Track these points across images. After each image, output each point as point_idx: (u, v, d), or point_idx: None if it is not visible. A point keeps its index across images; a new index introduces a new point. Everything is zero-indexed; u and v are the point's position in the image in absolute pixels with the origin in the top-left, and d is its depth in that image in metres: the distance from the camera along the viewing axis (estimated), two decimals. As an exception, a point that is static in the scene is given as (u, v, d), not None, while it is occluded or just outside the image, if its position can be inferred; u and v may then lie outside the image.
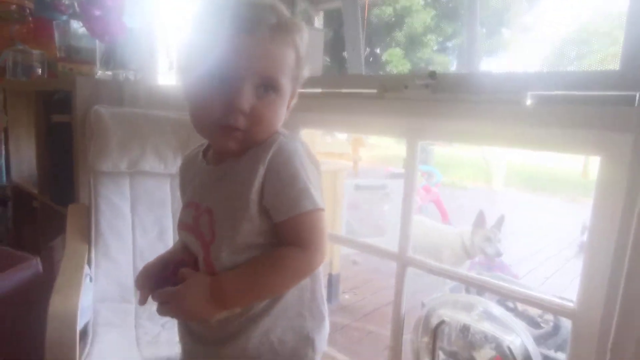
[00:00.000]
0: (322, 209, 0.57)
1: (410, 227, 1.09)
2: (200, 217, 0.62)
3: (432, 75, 0.97)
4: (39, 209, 1.47)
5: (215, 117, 0.55)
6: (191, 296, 0.57)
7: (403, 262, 1.09)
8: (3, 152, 1.65)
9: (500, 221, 2.38)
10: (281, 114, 0.60)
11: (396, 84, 1.06)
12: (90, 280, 0.94)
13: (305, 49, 0.60)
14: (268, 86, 0.56)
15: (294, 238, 0.57)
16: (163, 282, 0.60)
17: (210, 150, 0.68)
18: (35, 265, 0.97)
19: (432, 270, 1.05)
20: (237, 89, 0.54)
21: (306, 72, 0.63)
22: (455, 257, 2.32)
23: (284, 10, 0.58)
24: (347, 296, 2.27)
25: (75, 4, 1.56)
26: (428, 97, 0.98)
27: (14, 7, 1.90)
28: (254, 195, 0.56)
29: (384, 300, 2.18)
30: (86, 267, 0.90)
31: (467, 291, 1.33)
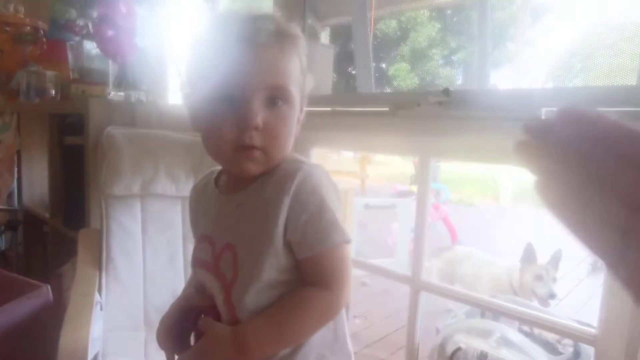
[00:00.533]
0: (350, 241, 0.54)
1: (423, 249, 1.07)
2: (221, 254, 0.57)
3: (446, 92, 0.97)
4: (49, 234, 1.46)
5: (228, 139, 0.52)
6: (215, 354, 0.53)
7: (417, 286, 1.06)
8: (15, 175, 1.66)
9: (557, 257, 2.08)
10: (293, 127, 0.57)
11: (408, 101, 1.06)
12: (101, 308, 0.92)
13: (306, 58, 0.58)
14: (278, 97, 0.54)
15: (319, 276, 0.54)
16: (184, 335, 0.58)
17: (222, 178, 0.64)
18: (45, 293, 0.96)
19: (446, 295, 1.03)
20: (247, 104, 0.51)
21: (310, 83, 0.60)
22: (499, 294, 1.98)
23: (282, 19, 0.56)
24: (357, 321, 2.21)
25: (89, 25, 1.59)
26: (441, 115, 0.98)
27: (28, 28, 1.93)
28: (279, 228, 0.53)
29: (395, 325, 2.13)
30: (96, 294, 0.89)
31: (483, 315, 1.30)
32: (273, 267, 0.54)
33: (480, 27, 1.47)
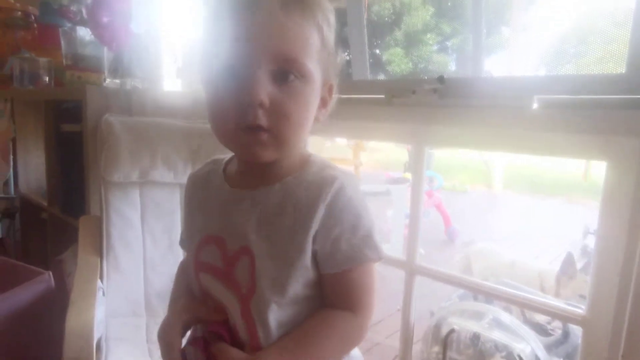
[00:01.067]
0: (382, 258, 0.50)
1: (418, 232, 1.09)
2: (236, 261, 0.50)
3: (441, 80, 0.98)
4: (47, 221, 1.47)
5: (232, 119, 0.46)
6: None
7: (411, 270, 1.09)
8: (11, 162, 1.65)
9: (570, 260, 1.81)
10: (311, 108, 0.49)
11: (404, 89, 1.06)
12: (103, 294, 0.94)
13: (332, 31, 0.50)
14: (288, 71, 0.46)
15: (345, 296, 0.49)
16: (190, 356, 0.51)
17: (230, 168, 0.56)
18: (47, 279, 0.97)
19: (441, 278, 1.05)
20: (250, 78, 0.44)
21: (341, 61, 0.52)
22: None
23: None
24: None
25: (83, 11, 1.57)
26: (436, 103, 0.99)
27: (18, 13, 1.91)
28: (310, 237, 0.47)
29: (390, 309, 2.13)
30: (98, 281, 0.90)
31: (476, 299, 1.33)
32: (300, 280, 0.48)
33: (475, 12, 1.48)
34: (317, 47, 0.48)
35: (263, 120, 0.45)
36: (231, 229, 0.51)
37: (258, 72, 0.45)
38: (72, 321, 0.73)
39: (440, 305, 1.22)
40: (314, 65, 0.48)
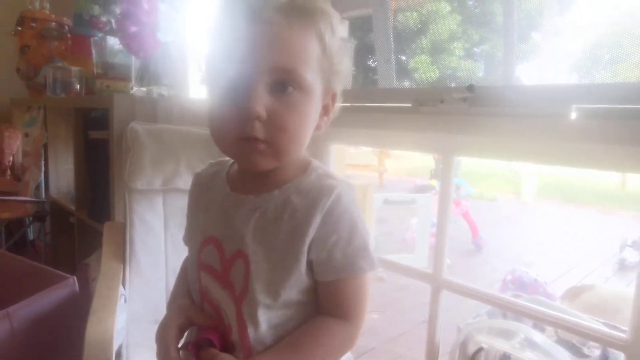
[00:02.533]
0: (377, 270, 0.50)
1: (445, 245, 1.05)
2: (232, 263, 0.51)
3: (471, 88, 0.94)
4: (75, 225, 1.50)
5: (231, 129, 0.46)
6: None
7: (438, 284, 1.05)
8: (42, 168, 1.70)
9: None
10: (311, 119, 0.50)
11: (431, 97, 1.04)
12: (125, 300, 0.94)
13: (336, 38, 0.50)
14: (286, 82, 0.46)
15: (338, 304, 0.50)
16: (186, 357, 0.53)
17: (232, 172, 0.57)
18: (72, 284, 0.98)
19: (469, 294, 1.01)
20: (248, 90, 0.45)
21: (344, 69, 0.52)
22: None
23: None
24: (375, 316, 2.18)
25: (112, 21, 1.61)
26: (465, 111, 0.96)
27: (53, 24, 1.98)
28: (306, 245, 0.48)
29: (413, 320, 2.10)
30: (121, 287, 0.91)
31: (505, 317, 1.27)
32: (294, 286, 0.49)
33: (506, 19, 1.43)
34: (317, 56, 0.48)
35: (260, 132, 0.46)
36: (229, 232, 0.52)
37: (256, 84, 0.45)
38: (92, 330, 0.73)
39: (467, 321, 1.17)
40: (313, 76, 0.48)
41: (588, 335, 0.85)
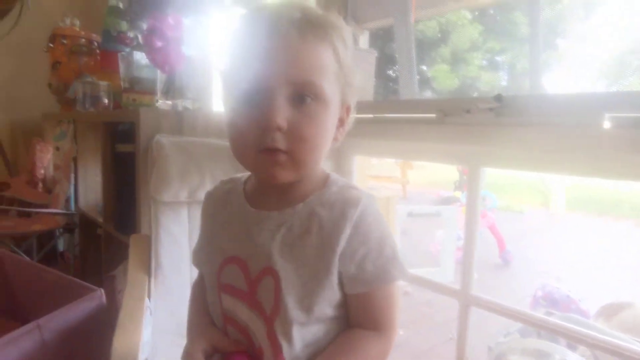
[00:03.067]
0: (407, 277, 0.50)
1: (473, 261, 1.02)
2: (259, 282, 0.50)
3: (498, 98, 0.92)
4: (102, 237, 1.53)
5: (251, 142, 0.47)
6: None
7: (466, 301, 1.01)
8: (72, 180, 1.75)
9: None
10: (329, 130, 0.50)
11: (457, 108, 1.02)
12: (150, 313, 0.95)
13: (349, 51, 0.51)
14: (305, 94, 0.47)
15: (370, 316, 0.49)
16: None
17: (248, 187, 0.57)
18: (99, 296, 0.99)
19: (500, 312, 0.97)
20: (268, 102, 0.46)
21: (357, 82, 0.53)
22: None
23: (313, 8, 0.49)
24: (401, 332, 2.13)
25: (139, 37, 1.65)
26: (492, 122, 0.93)
27: (83, 40, 2.05)
28: (337, 258, 0.47)
29: (441, 337, 2.04)
30: (146, 299, 0.91)
31: (539, 335, 1.22)
32: (326, 300, 0.49)
33: (532, 27, 1.40)
34: (333, 69, 0.49)
35: (281, 143, 0.46)
36: (253, 250, 0.51)
37: (276, 96, 0.46)
38: (119, 343, 0.73)
39: (498, 339, 1.12)
40: (330, 87, 0.49)
41: (628, 357, 0.80)
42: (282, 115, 0.46)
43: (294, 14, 0.47)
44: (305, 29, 0.47)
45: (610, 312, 1.79)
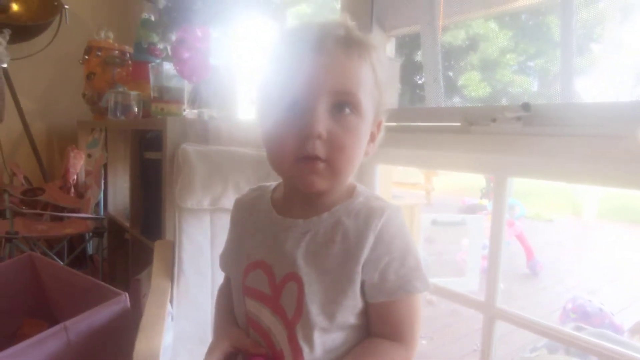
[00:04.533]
0: (430, 289, 0.50)
1: (498, 273, 1.00)
2: (283, 287, 0.51)
3: (526, 107, 0.90)
4: (130, 241, 1.57)
5: (290, 149, 0.49)
6: None
7: (491, 314, 0.99)
8: (102, 186, 1.81)
9: None
10: (364, 142, 0.52)
11: (482, 116, 1.00)
12: (172, 319, 0.96)
13: (384, 71, 0.53)
14: (345, 104, 0.49)
15: (392, 326, 0.49)
16: None
17: (277, 196, 0.59)
18: (124, 300, 1.02)
19: (526, 326, 0.94)
20: (310, 112, 0.48)
21: (388, 100, 0.55)
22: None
23: (355, 27, 0.52)
24: (424, 342, 2.09)
25: (168, 48, 1.70)
26: (519, 131, 0.91)
27: (116, 52, 2.13)
28: (360, 267, 0.48)
29: (466, 348, 1.99)
30: (168, 305, 0.93)
31: (567, 352, 1.17)
32: (349, 308, 0.49)
33: (564, 31, 1.36)
34: (370, 85, 0.51)
35: (320, 150, 0.48)
36: (279, 255, 0.53)
37: (318, 106, 0.48)
38: (140, 348, 0.75)
39: (524, 354, 1.08)
40: (367, 101, 0.51)
41: (666, 378, 0.76)
42: (323, 124, 0.48)
43: (339, 31, 0.50)
44: (349, 46, 0.49)
45: (647, 329, 1.71)
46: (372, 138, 0.56)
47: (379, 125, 0.56)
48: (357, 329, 0.51)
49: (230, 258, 0.62)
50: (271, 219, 0.56)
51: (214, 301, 1.11)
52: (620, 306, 2.65)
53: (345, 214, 0.51)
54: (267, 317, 0.53)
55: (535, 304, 2.79)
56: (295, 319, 0.50)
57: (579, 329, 1.17)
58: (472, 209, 4.03)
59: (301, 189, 0.52)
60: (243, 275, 0.56)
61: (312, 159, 0.48)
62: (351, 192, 0.54)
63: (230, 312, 0.61)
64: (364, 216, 0.50)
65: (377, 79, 0.52)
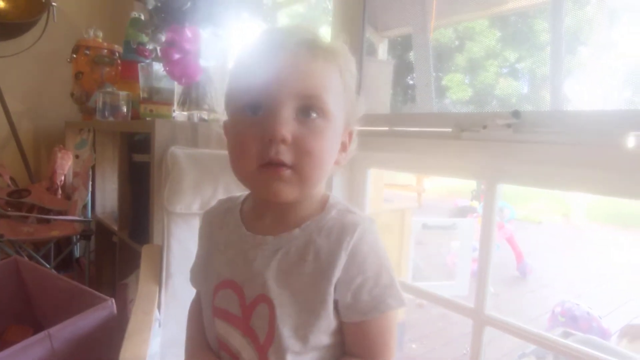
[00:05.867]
0: (404, 306, 0.49)
1: (488, 279, 1.00)
2: (253, 309, 0.49)
3: (516, 114, 0.90)
4: (117, 245, 1.55)
5: (253, 154, 0.46)
6: None
7: (481, 320, 0.99)
8: (90, 188, 1.78)
9: None
10: (333, 148, 0.49)
11: (473, 123, 1.00)
12: (159, 325, 0.95)
13: (353, 78, 0.51)
14: (311, 108, 0.46)
15: (366, 345, 0.48)
16: None
17: (245, 209, 0.56)
18: (110, 306, 1.00)
19: (515, 333, 0.95)
20: (273, 114, 0.45)
21: (362, 108, 0.53)
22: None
23: (323, 35, 0.50)
24: (414, 346, 2.10)
25: (157, 49, 1.68)
26: (510, 138, 0.91)
27: (105, 51, 2.10)
28: (332, 287, 0.47)
29: (456, 352, 2.00)
30: (156, 311, 0.91)
31: (557, 358, 1.18)
32: (322, 328, 0.48)
33: (554, 35, 1.37)
34: (339, 90, 0.49)
35: (285, 156, 0.45)
36: (249, 275, 0.50)
37: (281, 109, 0.45)
38: (126, 355, 0.73)
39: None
40: (335, 107, 0.48)
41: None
42: (287, 127, 0.45)
43: (306, 35, 0.48)
44: (315, 49, 0.47)
45: (634, 333, 1.72)
46: (344, 147, 0.53)
47: (350, 134, 0.54)
48: (332, 348, 0.49)
49: (201, 275, 0.60)
50: (240, 235, 0.53)
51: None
52: (608, 309, 2.68)
53: (317, 231, 0.49)
54: (236, 341, 0.51)
55: (524, 306, 2.81)
56: (266, 344, 0.48)
57: (567, 334, 1.18)
58: (463, 211, 4.04)
59: (267, 198, 0.49)
60: (213, 295, 0.53)
61: (277, 165, 0.45)
62: (323, 205, 0.51)
63: (200, 332, 0.58)
64: (336, 233, 0.48)
65: (347, 86, 0.50)
